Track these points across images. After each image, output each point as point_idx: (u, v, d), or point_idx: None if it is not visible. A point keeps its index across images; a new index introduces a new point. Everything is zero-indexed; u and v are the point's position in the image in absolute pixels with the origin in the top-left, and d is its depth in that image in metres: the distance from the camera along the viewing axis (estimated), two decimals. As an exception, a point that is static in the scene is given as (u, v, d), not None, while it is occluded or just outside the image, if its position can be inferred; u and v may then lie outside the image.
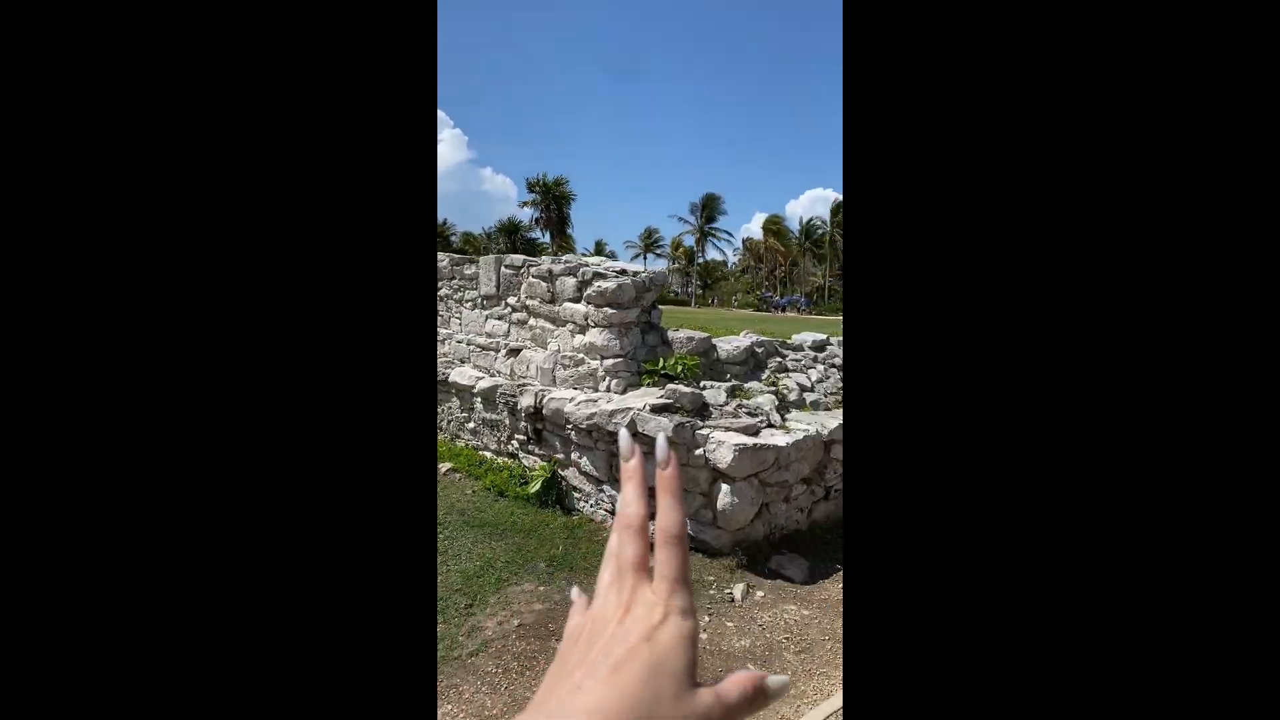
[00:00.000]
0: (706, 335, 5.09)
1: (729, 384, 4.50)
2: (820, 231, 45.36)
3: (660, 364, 4.55)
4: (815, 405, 4.75)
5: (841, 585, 3.35)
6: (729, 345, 5.06)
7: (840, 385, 5.05)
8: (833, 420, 4.16)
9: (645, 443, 3.33)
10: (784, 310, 35.55)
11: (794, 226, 47.63)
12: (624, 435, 0.41)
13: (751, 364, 5.09)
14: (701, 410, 4.06)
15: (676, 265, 51.14)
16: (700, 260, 50.33)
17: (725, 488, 3.58)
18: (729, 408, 4.14)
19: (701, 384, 4.44)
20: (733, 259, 50.59)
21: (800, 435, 3.83)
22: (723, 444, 3.53)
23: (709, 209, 48.64)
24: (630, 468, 0.39)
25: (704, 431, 3.65)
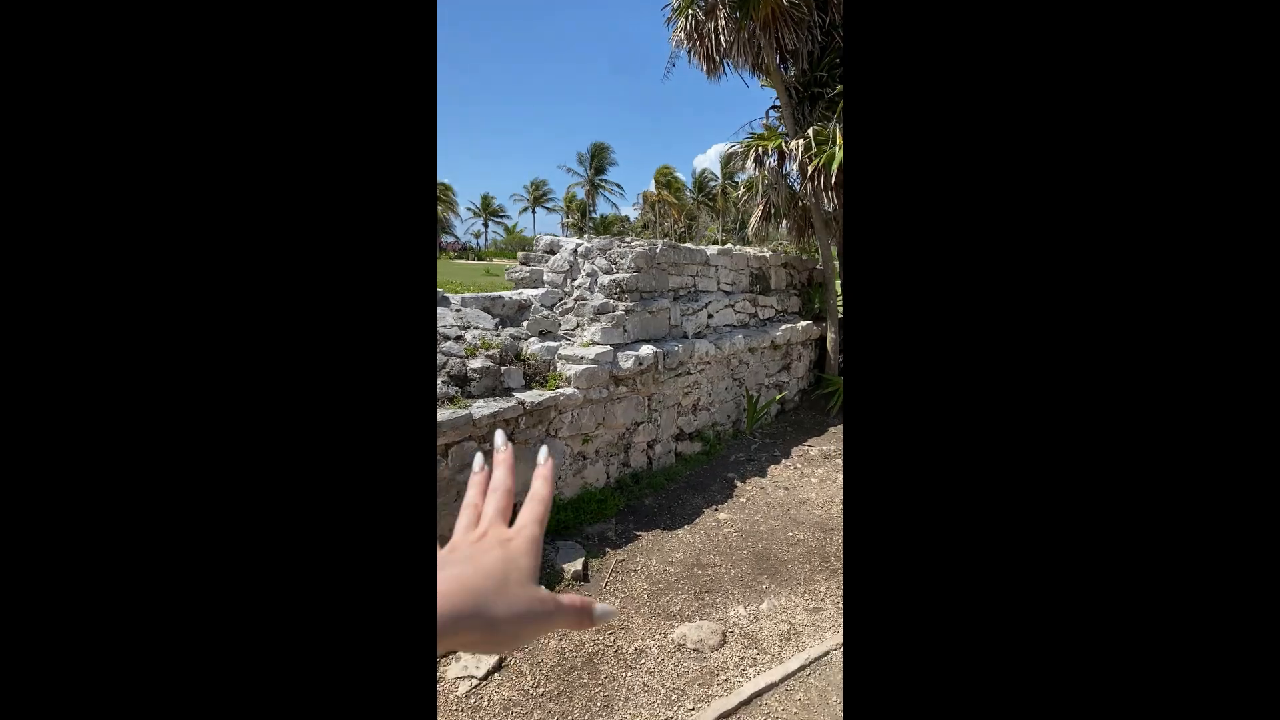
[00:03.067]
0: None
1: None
2: (713, 185, 45.59)
3: None
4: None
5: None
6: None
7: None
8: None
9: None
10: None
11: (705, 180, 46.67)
12: (499, 435, 0.57)
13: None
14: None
15: (569, 220, 49.49)
16: (594, 215, 49.03)
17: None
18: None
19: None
20: (633, 214, 49.85)
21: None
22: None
23: (598, 159, 47.00)
24: (501, 456, 0.55)
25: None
